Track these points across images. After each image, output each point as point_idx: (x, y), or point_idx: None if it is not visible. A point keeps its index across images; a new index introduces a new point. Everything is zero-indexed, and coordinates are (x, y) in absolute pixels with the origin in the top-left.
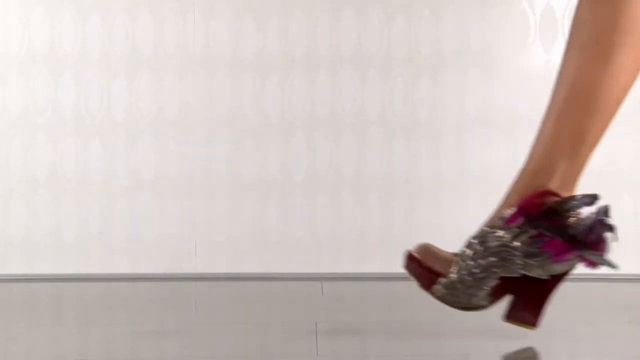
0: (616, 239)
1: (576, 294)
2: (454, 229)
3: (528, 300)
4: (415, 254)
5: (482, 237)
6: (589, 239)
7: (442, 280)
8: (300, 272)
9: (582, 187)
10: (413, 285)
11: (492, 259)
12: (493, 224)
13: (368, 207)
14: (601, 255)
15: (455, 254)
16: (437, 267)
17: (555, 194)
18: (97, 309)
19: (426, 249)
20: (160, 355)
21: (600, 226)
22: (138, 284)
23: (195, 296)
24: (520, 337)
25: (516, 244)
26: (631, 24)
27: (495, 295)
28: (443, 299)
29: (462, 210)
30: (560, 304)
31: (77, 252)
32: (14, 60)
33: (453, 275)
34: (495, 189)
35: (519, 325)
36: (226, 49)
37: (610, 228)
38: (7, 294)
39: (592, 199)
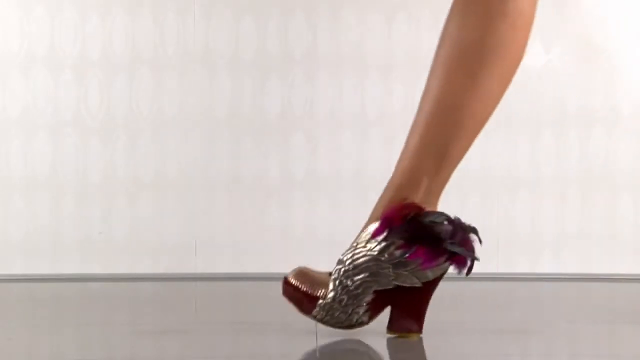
0: (479, 240)
1: (576, 294)
2: None
3: (407, 309)
4: (292, 280)
5: (351, 255)
6: (454, 242)
7: (320, 302)
8: None
9: (583, 187)
10: None
11: (364, 274)
12: (360, 240)
13: (368, 207)
14: (469, 250)
15: (330, 274)
16: (314, 290)
17: (418, 207)
18: (97, 309)
19: (302, 273)
20: (160, 355)
21: (461, 230)
22: (138, 284)
23: (195, 296)
24: (520, 335)
25: (385, 256)
26: (497, 43)
27: (373, 310)
28: (323, 322)
29: (461, 210)
30: (561, 304)
31: (77, 252)
32: (14, 60)
33: (329, 296)
34: (495, 189)
35: (403, 335)
36: (226, 49)
37: (473, 230)
38: (7, 294)
39: (448, 216)
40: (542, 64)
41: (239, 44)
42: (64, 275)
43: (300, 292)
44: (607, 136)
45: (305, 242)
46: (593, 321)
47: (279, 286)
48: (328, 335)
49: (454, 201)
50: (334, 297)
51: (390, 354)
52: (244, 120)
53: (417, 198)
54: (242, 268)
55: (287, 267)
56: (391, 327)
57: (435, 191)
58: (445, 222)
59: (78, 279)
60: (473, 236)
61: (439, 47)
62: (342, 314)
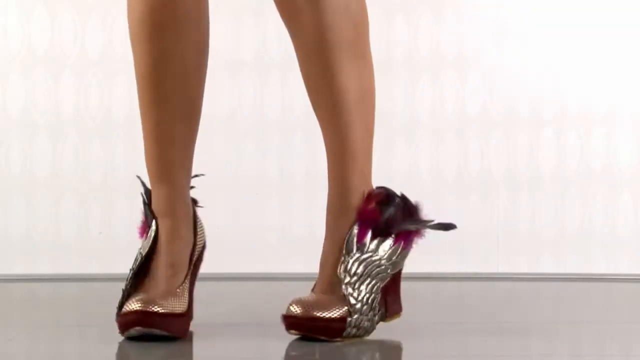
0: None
1: (576, 294)
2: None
3: (391, 293)
4: (302, 313)
5: (350, 265)
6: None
7: (350, 320)
8: (300, 272)
9: (584, 186)
10: (412, 285)
11: (369, 279)
12: (350, 251)
13: None
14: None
15: (342, 291)
16: (333, 312)
17: (377, 193)
18: (97, 309)
19: (305, 303)
20: (160, 356)
21: (413, 206)
22: None
23: (195, 296)
24: (520, 335)
25: (379, 254)
26: (330, 21)
27: (383, 305)
28: (356, 336)
29: (461, 210)
30: (561, 304)
31: (77, 252)
32: (14, 60)
33: (356, 309)
34: (495, 189)
35: (394, 318)
36: (226, 49)
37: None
38: (7, 294)
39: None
40: (541, 64)
41: (239, 44)
42: (63, 275)
43: (323, 320)
44: (607, 136)
45: (305, 242)
46: (593, 321)
47: (278, 286)
48: None
49: (454, 201)
50: (360, 310)
51: (389, 354)
52: (244, 120)
53: (371, 186)
54: (242, 268)
55: (287, 267)
56: (388, 313)
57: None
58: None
59: (78, 279)
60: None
61: (296, 47)
62: (368, 322)
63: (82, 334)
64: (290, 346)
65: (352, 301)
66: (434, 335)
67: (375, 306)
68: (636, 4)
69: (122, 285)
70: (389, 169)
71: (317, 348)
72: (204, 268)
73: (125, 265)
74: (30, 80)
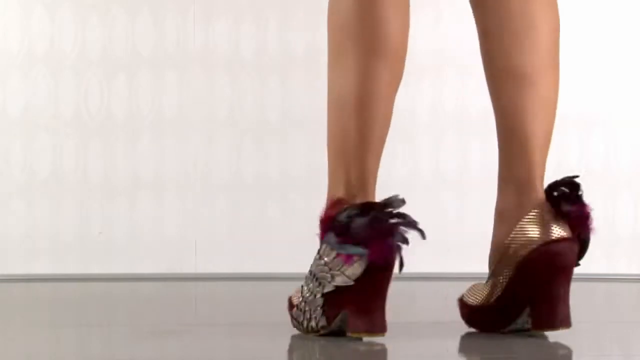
0: (420, 231)
1: (576, 294)
2: (454, 228)
3: (349, 306)
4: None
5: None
6: (368, 234)
7: (291, 312)
8: (300, 272)
9: (584, 186)
10: (412, 285)
11: (314, 281)
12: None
13: None
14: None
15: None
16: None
17: (343, 201)
18: (97, 309)
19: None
20: (160, 356)
21: (377, 222)
22: (138, 284)
23: (195, 296)
24: (520, 335)
25: (324, 259)
26: None
27: (329, 313)
28: (299, 329)
29: (462, 210)
30: None
31: (77, 252)
32: (14, 60)
33: (300, 299)
34: (495, 189)
35: (355, 335)
36: (226, 49)
37: (409, 222)
38: (7, 294)
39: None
40: None
41: (239, 44)
42: (64, 275)
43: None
44: (606, 136)
45: (305, 241)
46: (593, 321)
47: (278, 286)
48: (328, 335)
49: (454, 201)
50: (298, 306)
51: (390, 354)
52: (244, 120)
53: (341, 193)
54: (242, 268)
55: (287, 267)
56: (348, 327)
57: (360, 182)
58: (359, 215)
59: (78, 279)
60: (403, 228)
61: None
62: (305, 320)
63: (82, 334)
64: (292, 346)
65: (302, 292)
66: (434, 335)
67: (308, 309)
68: (636, 4)
69: (121, 285)
70: (389, 170)
71: (317, 348)
72: (204, 268)
73: (125, 265)
74: (30, 80)
